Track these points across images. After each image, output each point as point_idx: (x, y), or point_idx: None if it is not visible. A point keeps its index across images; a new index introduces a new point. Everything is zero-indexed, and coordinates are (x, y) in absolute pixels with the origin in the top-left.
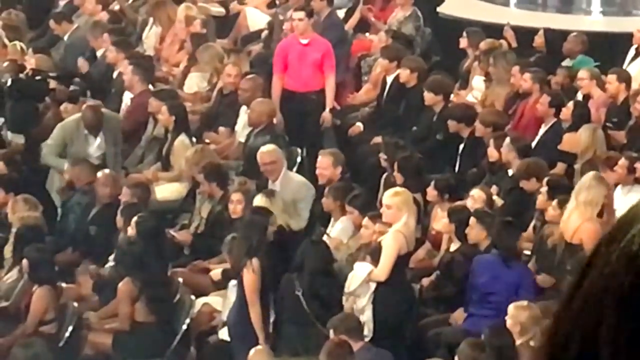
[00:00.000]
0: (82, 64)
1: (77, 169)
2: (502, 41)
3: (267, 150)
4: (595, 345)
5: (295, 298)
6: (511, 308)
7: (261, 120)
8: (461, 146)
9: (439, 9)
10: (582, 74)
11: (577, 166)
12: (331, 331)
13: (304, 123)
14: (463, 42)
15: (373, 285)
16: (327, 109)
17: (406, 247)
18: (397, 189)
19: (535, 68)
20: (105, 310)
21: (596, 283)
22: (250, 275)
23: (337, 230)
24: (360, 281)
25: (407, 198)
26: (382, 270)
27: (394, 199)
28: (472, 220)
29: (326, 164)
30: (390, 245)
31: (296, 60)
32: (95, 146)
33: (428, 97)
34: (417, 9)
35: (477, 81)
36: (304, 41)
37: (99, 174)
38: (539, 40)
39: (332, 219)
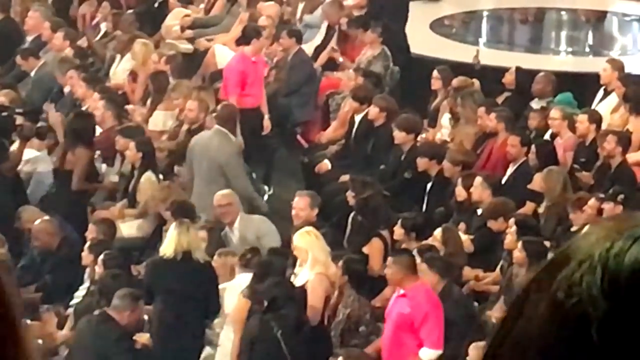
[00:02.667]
0: (48, 107)
1: (24, 215)
2: (474, 80)
3: (222, 194)
4: None
5: (273, 339)
6: (472, 348)
7: None
8: (429, 185)
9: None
10: (554, 113)
11: (540, 209)
12: None
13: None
14: (435, 81)
15: None
16: (266, 116)
17: (330, 290)
18: (307, 228)
19: (500, 107)
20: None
21: (523, 331)
22: (240, 302)
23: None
24: None
25: (313, 239)
26: (314, 315)
27: (301, 240)
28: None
29: (303, 205)
30: (317, 288)
31: (254, 78)
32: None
33: (399, 135)
34: (386, 47)
35: (446, 119)
36: (253, 59)
37: (37, 221)
38: (509, 77)
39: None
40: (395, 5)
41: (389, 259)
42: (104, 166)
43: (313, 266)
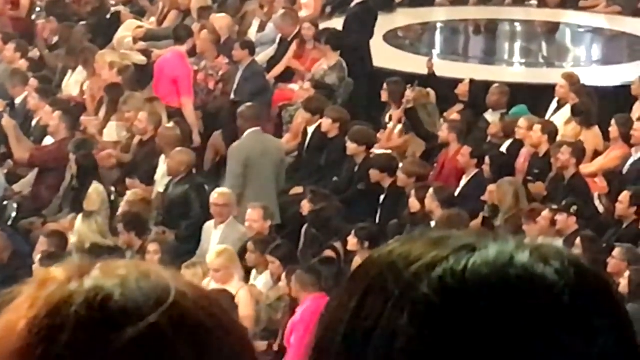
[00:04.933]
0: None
1: None
2: (429, 90)
3: (221, 192)
4: None
5: None
6: None
7: (180, 170)
8: (382, 197)
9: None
10: (522, 123)
11: (497, 222)
12: None
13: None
14: (384, 94)
15: None
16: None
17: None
18: (220, 247)
19: (454, 117)
20: None
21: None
22: None
23: (261, 284)
24: None
25: (232, 255)
26: (249, 321)
27: (220, 260)
28: None
29: (257, 217)
30: (247, 297)
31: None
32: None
33: (351, 147)
34: (342, 59)
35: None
36: None
37: None
38: (463, 88)
39: (255, 272)
40: (362, 18)
41: (293, 275)
42: None
43: (239, 283)
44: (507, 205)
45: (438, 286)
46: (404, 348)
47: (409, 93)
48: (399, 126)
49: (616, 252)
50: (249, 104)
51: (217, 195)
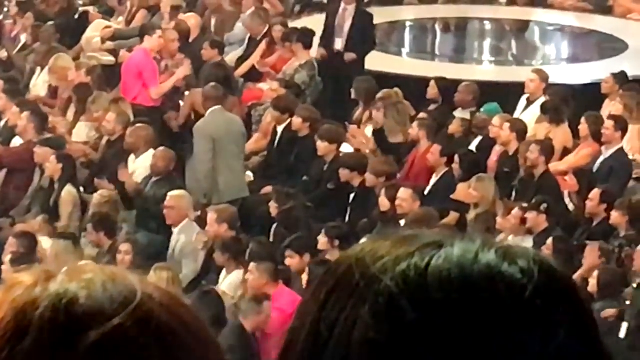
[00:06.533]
0: None
1: None
2: (397, 90)
3: (172, 195)
4: None
5: None
6: None
7: (163, 169)
8: (352, 196)
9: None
10: (496, 121)
11: (470, 216)
12: None
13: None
14: (353, 92)
15: None
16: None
17: None
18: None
19: (423, 115)
20: None
21: None
22: None
23: (227, 284)
24: None
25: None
26: None
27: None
28: None
29: (210, 220)
30: None
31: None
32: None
33: (321, 146)
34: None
35: (368, 131)
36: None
37: None
38: (432, 91)
39: (225, 272)
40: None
41: (252, 264)
42: None
43: None
44: (488, 201)
45: (400, 279)
46: (362, 338)
47: (377, 113)
48: (369, 127)
49: (589, 249)
50: (212, 83)
51: (169, 197)
